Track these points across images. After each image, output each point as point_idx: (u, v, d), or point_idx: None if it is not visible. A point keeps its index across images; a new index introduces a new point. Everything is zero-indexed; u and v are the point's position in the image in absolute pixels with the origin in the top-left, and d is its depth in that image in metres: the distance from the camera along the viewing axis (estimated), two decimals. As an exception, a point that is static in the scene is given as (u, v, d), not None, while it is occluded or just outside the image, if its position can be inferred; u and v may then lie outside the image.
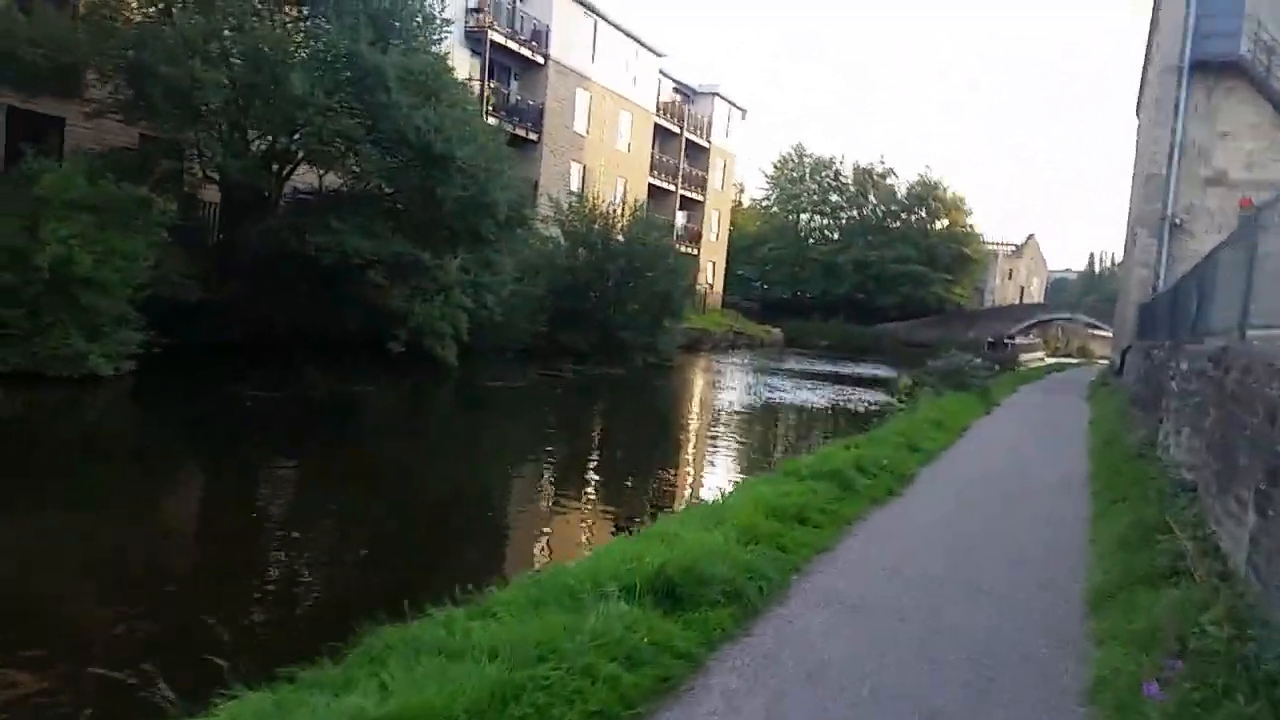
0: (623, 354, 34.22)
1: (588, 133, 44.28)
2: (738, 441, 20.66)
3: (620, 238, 36.30)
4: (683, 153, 53.93)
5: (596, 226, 36.00)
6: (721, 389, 33.66)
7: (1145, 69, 40.43)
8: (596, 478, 16.38)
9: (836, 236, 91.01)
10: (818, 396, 31.29)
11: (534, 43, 40.55)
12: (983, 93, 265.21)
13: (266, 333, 22.73)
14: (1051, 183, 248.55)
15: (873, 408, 25.91)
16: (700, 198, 56.89)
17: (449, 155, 21.95)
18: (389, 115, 21.08)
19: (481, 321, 25.00)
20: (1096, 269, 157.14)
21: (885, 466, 12.33)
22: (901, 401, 22.23)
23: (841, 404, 29.96)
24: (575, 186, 43.58)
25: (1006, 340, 76.01)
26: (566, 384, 28.06)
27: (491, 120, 37.55)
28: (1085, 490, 12.39)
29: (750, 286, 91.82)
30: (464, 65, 37.46)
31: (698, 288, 56.90)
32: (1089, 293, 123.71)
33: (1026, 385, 34.25)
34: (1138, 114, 45.71)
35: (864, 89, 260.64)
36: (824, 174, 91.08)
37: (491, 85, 37.84)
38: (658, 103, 51.79)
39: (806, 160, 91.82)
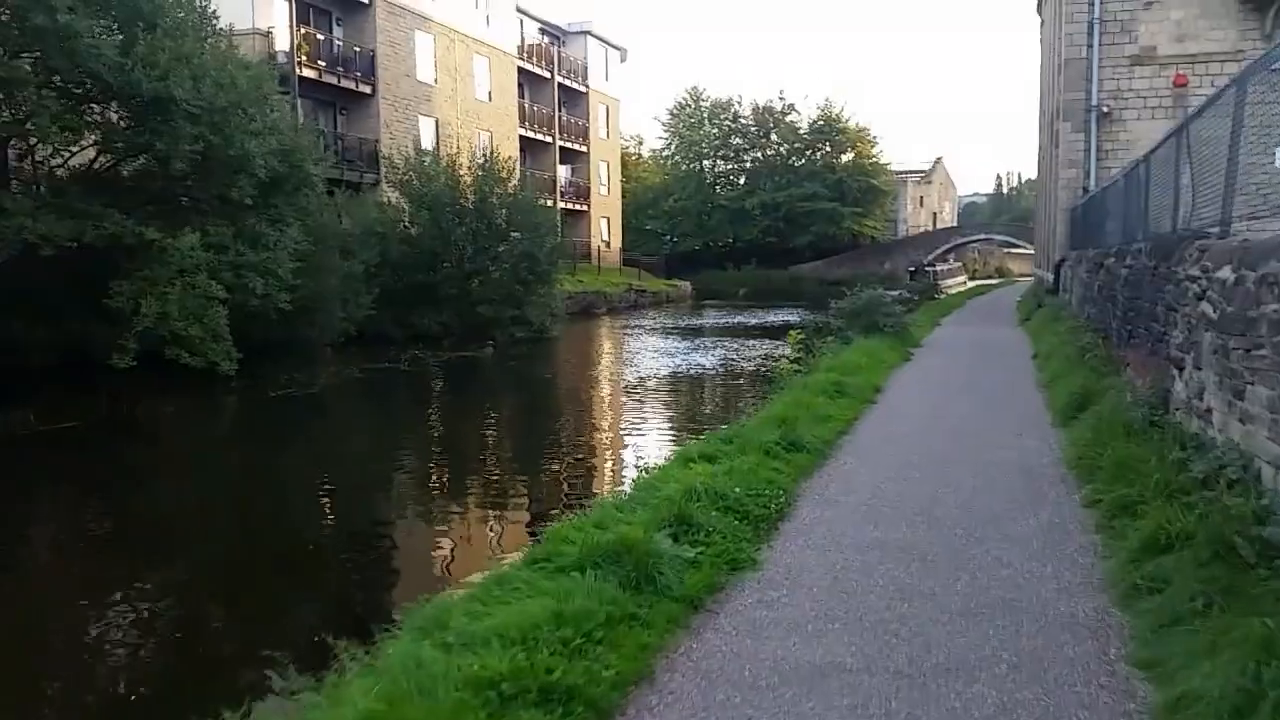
0: (485, 331, 28.48)
1: (436, 82, 38.04)
2: (541, 464, 14.05)
3: (470, 196, 30.40)
4: (557, 100, 47.77)
5: (441, 184, 30.04)
6: (593, 363, 28.07)
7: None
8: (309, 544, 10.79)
9: (742, 181, 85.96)
10: (711, 359, 25.91)
11: (354, -21, 34.20)
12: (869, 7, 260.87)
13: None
14: (952, 106, 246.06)
15: (768, 367, 20.48)
16: (583, 149, 50.93)
17: (167, 98, 15.96)
18: (64, 46, 15.00)
19: (257, 312, 19.18)
20: (1005, 190, 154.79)
21: (731, 503, 6.99)
22: (795, 359, 16.88)
23: (735, 365, 24.66)
24: (431, 144, 37.53)
25: (927, 268, 71.86)
26: (388, 378, 22.05)
27: (308, 72, 31.30)
28: (1071, 505, 7.14)
29: (661, 241, 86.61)
30: (267, 10, 31.06)
31: (593, 244, 51.30)
32: (1000, 214, 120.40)
33: (949, 317, 29.32)
34: (1039, 11, 40.89)
35: (753, 15, 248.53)
36: (723, 117, 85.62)
37: (303, 31, 31.42)
38: (522, 45, 45.59)
39: (704, 104, 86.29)
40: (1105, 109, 25.20)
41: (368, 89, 34.44)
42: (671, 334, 33.48)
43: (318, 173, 21.24)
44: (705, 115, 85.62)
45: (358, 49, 34.09)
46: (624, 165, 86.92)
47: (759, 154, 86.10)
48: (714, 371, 23.80)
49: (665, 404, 19.56)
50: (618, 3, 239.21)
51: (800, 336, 18.13)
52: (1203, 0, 25.57)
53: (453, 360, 25.01)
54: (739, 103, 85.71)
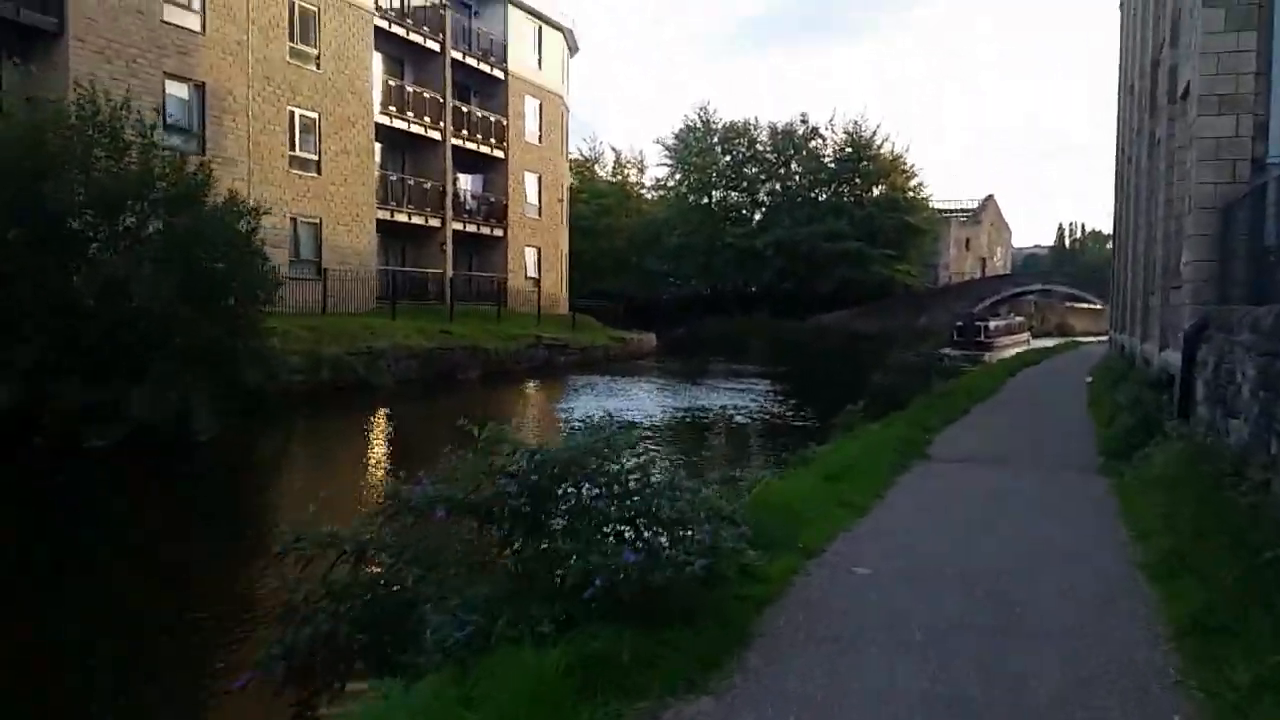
0: (97, 427, 14.63)
1: (205, 29, 24.77)
2: None
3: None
4: (448, 82, 34.01)
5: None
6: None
7: None
8: None
9: (757, 217, 71.79)
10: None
11: None
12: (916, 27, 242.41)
13: None
14: (1009, 143, 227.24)
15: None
16: (499, 154, 37.22)
17: None
18: None
19: None
20: (1067, 242, 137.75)
21: None
22: None
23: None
24: (194, 116, 24.35)
25: (978, 323, 56.15)
26: None
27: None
28: None
29: (664, 283, 72.70)
30: None
31: (514, 282, 37.35)
32: (1062, 267, 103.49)
33: (954, 425, 14.83)
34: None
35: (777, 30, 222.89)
36: (736, 142, 71.84)
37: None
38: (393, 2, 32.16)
39: (715, 126, 72.59)
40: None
41: (54, 24, 21.31)
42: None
43: None
44: (717, 139, 71.92)
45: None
46: (623, 194, 74.07)
47: (776, 185, 72.04)
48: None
49: None
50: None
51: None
52: None
53: None
54: (755, 126, 71.93)
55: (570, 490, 4.79)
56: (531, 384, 28.46)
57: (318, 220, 28.06)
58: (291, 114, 27.22)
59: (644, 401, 24.30)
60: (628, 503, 4.82)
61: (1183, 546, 6.00)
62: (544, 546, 4.73)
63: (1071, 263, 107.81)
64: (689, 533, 4.80)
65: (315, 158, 28.10)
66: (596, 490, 4.78)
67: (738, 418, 22.18)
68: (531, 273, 39.31)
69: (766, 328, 60.61)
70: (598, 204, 69.65)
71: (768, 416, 22.53)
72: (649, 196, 76.83)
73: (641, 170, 75.92)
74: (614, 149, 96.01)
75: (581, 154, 75.79)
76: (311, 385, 21.53)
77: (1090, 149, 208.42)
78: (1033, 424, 14.80)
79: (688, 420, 21.28)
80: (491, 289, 35.53)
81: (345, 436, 19.18)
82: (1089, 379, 22.28)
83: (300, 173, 27.56)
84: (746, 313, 65.82)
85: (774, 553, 6.36)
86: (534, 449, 4.75)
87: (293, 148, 27.26)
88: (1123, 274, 24.26)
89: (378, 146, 31.19)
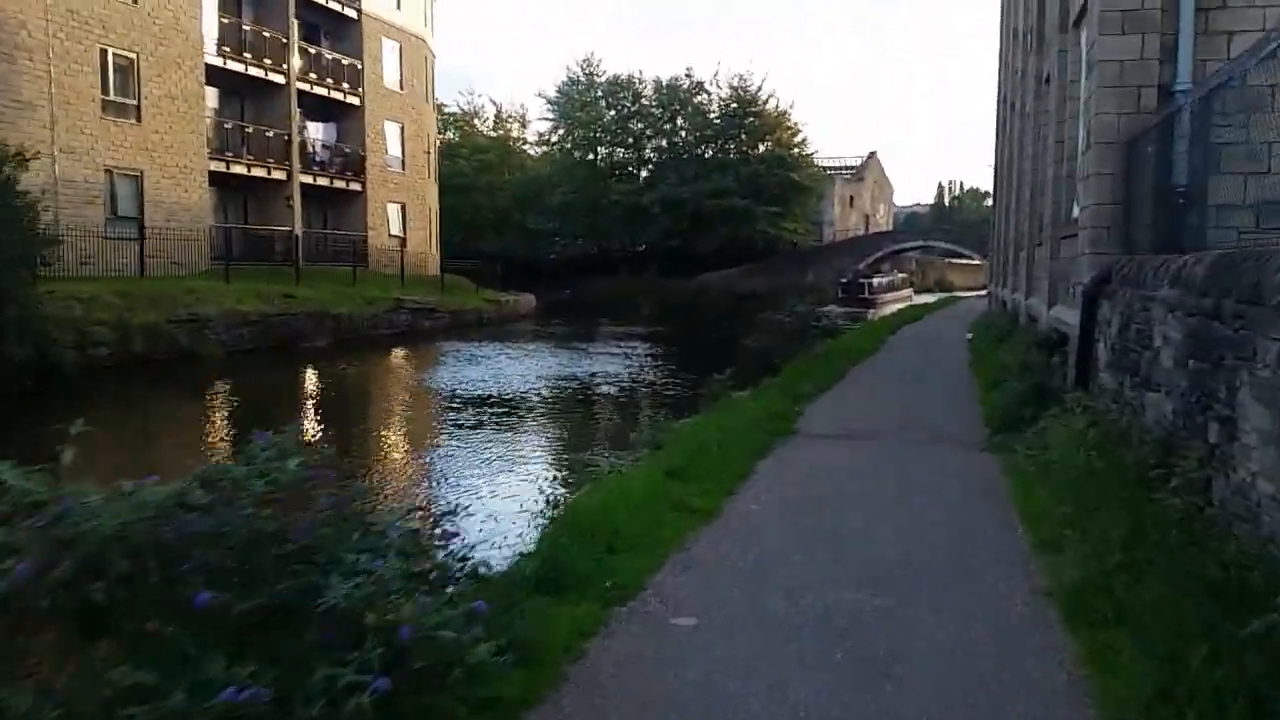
0: None
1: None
2: None
3: None
4: (292, 21, 30.88)
5: None
6: None
7: None
8: None
9: (644, 175, 69.81)
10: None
11: None
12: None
13: None
14: (889, 103, 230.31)
15: None
16: (354, 100, 34.20)
17: None
18: None
19: None
20: (947, 200, 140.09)
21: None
22: None
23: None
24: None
25: (862, 280, 55.85)
26: None
27: None
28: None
29: (550, 243, 70.21)
30: None
31: (376, 240, 34.50)
32: (942, 225, 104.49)
33: (833, 389, 13.34)
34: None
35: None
36: (621, 96, 69.53)
37: None
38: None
39: (599, 79, 70.08)
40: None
41: None
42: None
43: None
44: (601, 94, 69.47)
45: None
46: (505, 149, 70.85)
47: (663, 141, 70.21)
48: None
49: None
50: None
51: None
52: None
53: None
54: (640, 80, 69.78)
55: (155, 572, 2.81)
56: (391, 353, 26.06)
57: (139, 173, 24.91)
58: (104, 53, 23.89)
59: (507, 369, 22.28)
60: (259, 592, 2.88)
61: (1109, 581, 4.41)
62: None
63: (950, 220, 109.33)
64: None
65: (134, 103, 24.85)
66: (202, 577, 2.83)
67: (605, 387, 20.37)
68: (395, 230, 36.52)
69: (653, 287, 58.97)
70: (478, 160, 66.78)
71: (639, 385, 20.79)
72: (533, 153, 74.03)
73: (524, 124, 73.11)
74: (494, 102, 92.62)
75: (460, 108, 72.58)
76: (119, 357, 18.87)
77: (969, 106, 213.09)
78: (914, 389, 13.40)
79: (551, 392, 19.33)
80: (350, 249, 32.71)
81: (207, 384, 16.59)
82: (969, 335, 21.26)
83: (117, 119, 24.30)
84: (634, 273, 64.07)
85: (568, 601, 4.56)
86: (69, 505, 2.75)
87: (106, 91, 24.00)
88: (1003, 227, 23.30)
89: (211, 91, 28.01)
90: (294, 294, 25.74)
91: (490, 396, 17.76)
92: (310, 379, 21.31)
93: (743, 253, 64.53)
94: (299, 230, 30.56)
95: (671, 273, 62.93)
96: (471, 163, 65.43)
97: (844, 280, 57.54)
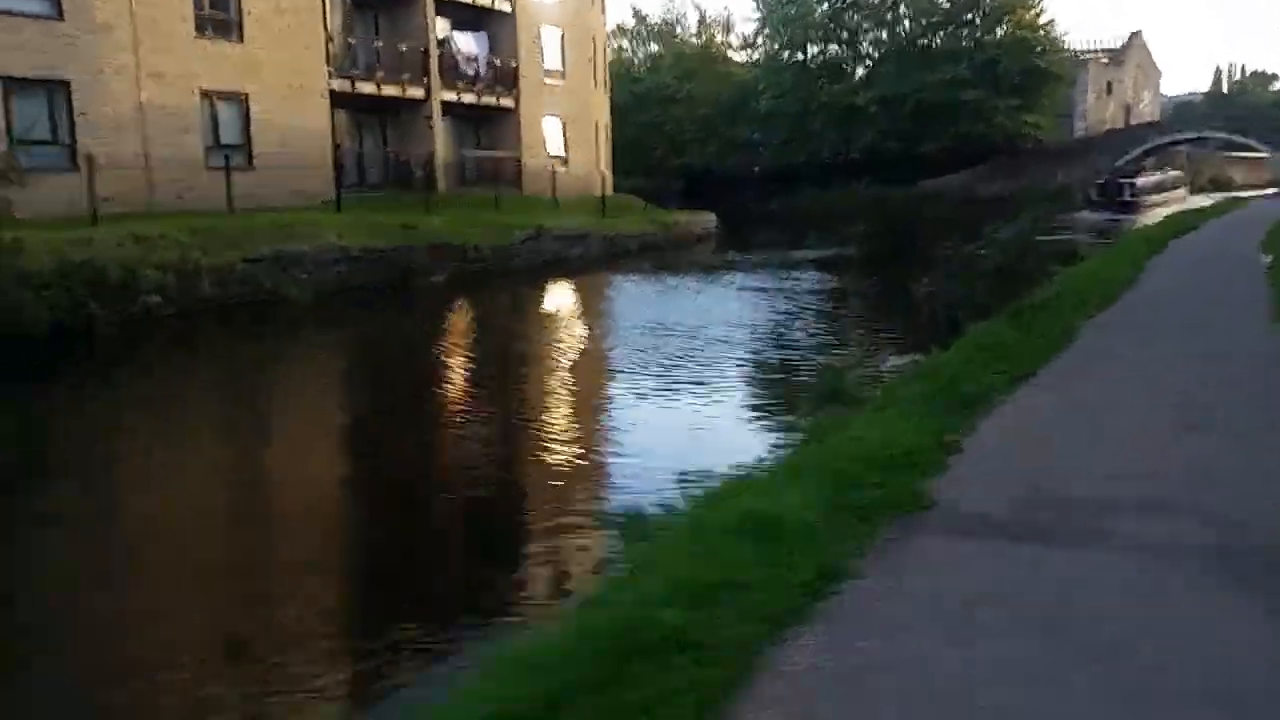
0: None
1: None
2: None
3: None
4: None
5: None
6: None
7: None
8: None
9: (859, 73, 61.95)
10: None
11: None
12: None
13: None
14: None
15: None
16: (504, 5, 30.11)
17: None
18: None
19: None
20: (1225, 86, 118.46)
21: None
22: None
23: None
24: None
25: (1122, 180, 46.50)
26: None
27: None
28: None
29: (755, 154, 64.36)
30: None
31: (532, 162, 30.72)
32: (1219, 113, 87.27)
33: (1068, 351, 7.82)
34: None
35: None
36: (836, -14, 61.60)
37: None
38: None
39: (811, -30, 62.36)
40: None
41: None
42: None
43: None
44: (812, -15, 61.91)
45: None
46: (708, 58, 64.97)
47: (882, 33, 61.96)
48: None
49: None
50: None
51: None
52: None
53: None
54: (857, -33, 61.46)
55: None
56: (512, 291, 22.23)
57: (243, 96, 22.14)
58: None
59: (599, 320, 17.71)
60: None
61: None
62: None
63: (1231, 107, 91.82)
64: None
65: (235, 19, 21.99)
66: None
67: (705, 353, 13.43)
68: (555, 150, 32.50)
69: (870, 198, 51.98)
70: (681, 70, 61.87)
71: (757, 354, 13.96)
72: (738, 59, 67.94)
73: (729, 29, 66.92)
74: (697, 6, 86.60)
75: (661, 19, 67.70)
76: (184, 305, 16.16)
77: None
78: (1192, 372, 7.71)
79: (620, 368, 12.96)
80: (507, 172, 29.13)
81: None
82: (1266, 258, 14.55)
83: (213, 38, 21.52)
84: (846, 183, 57.12)
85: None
86: None
87: (199, 7, 21.19)
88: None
89: (333, 2, 24.80)
90: (416, 224, 22.39)
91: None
92: (415, 321, 17.73)
93: (976, 154, 56.13)
94: (440, 153, 27.23)
95: (890, 180, 55.52)
96: (675, 73, 60.71)
97: (1100, 182, 48.22)
